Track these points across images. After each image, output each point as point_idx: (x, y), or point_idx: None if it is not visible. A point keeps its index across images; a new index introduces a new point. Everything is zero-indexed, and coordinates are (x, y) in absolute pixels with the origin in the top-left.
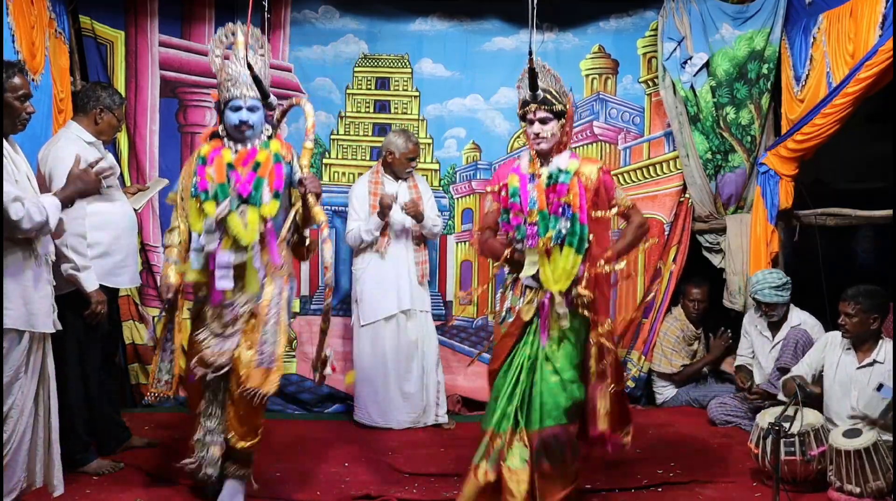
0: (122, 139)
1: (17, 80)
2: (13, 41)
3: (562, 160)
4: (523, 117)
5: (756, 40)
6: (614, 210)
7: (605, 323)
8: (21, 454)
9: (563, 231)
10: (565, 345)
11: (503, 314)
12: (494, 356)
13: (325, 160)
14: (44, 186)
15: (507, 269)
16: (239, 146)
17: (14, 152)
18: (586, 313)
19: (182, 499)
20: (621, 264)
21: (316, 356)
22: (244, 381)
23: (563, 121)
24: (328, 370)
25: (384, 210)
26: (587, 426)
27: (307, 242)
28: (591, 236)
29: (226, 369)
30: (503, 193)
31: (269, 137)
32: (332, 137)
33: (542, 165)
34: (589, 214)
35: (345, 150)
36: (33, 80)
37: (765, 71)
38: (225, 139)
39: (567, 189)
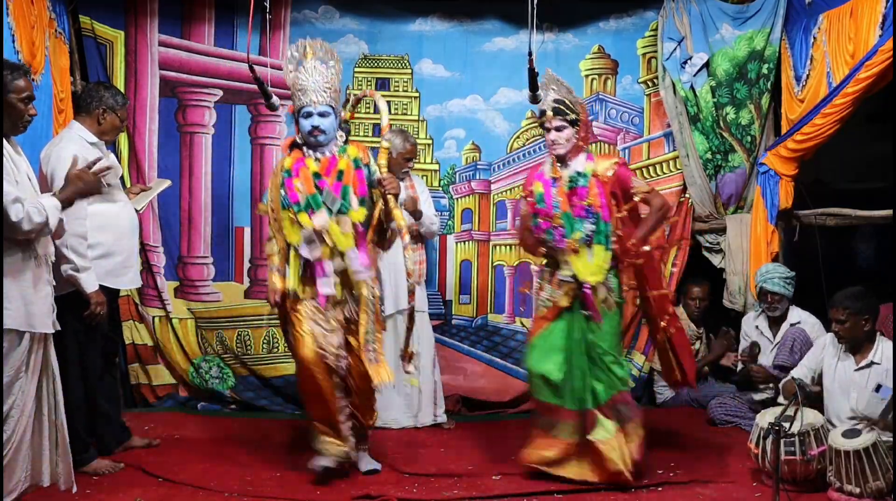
0: (122, 139)
1: (21, 82)
2: (13, 41)
3: (578, 163)
4: (542, 125)
5: (756, 40)
6: (642, 197)
7: (657, 289)
8: (21, 453)
9: (589, 232)
10: (607, 328)
11: (542, 303)
12: (529, 334)
13: None
14: (46, 187)
15: (539, 265)
16: (318, 154)
17: (15, 153)
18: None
19: (182, 499)
20: (647, 247)
21: (404, 350)
22: (374, 378)
23: (578, 127)
24: (410, 367)
25: (410, 211)
26: (670, 374)
27: (389, 233)
28: (618, 232)
29: (330, 359)
30: (530, 198)
31: (346, 142)
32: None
33: (562, 169)
34: (611, 210)
35: None
36: (33, 80)
37: (765, 71)
38: (304, 148)
39: (587, 191)
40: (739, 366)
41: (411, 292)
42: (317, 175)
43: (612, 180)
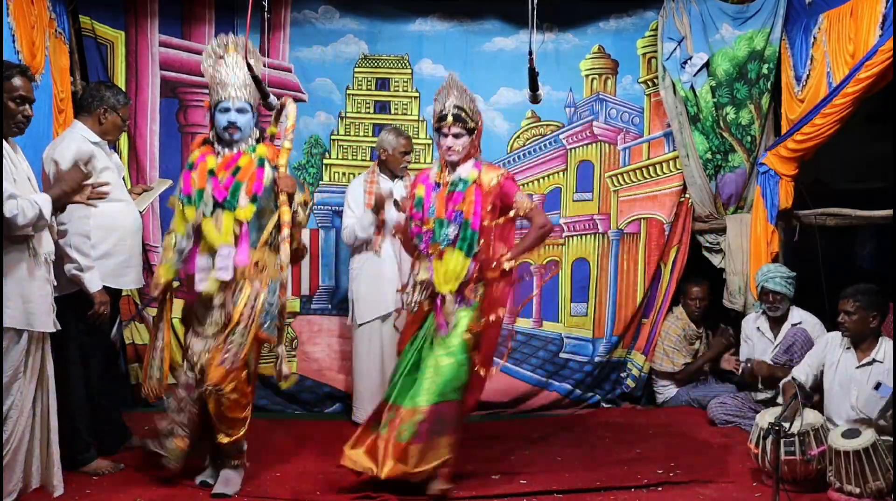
0: (123, 140)
1: (16, 81)
2: (13, 41)
3: (464, 170)
4: (438, 130)
5: (756, 40)
6: (512, 213)
7: (490, 316)
8: (20, 454)
9: (452, 236)
10: (459, 333)
11: (412, 305)
12: (401, 339)
13: (325, 160)
14: (48, 187)
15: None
16: (226, 151)
17: (13, 152)
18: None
19: (182, 499)
20: (509, 264)
21: (279, 367)
22: (206, 379)
23: (474, 136)
24: (285, 370)
25: (378, 206)
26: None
27: (300, 249)
28: (481, 241)
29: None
30: (411, 201)
31: (258, 141)
32: (333, 137)
33: (449, 174)
34: (483, 220)
35: (345, 150)
36: (34, 81)
37: (765, 71)
38: (214, 144)
39: (463, 197)
40: (741, 371)
41: (282, 287)
42: (211, 172)
43: (494, 191)
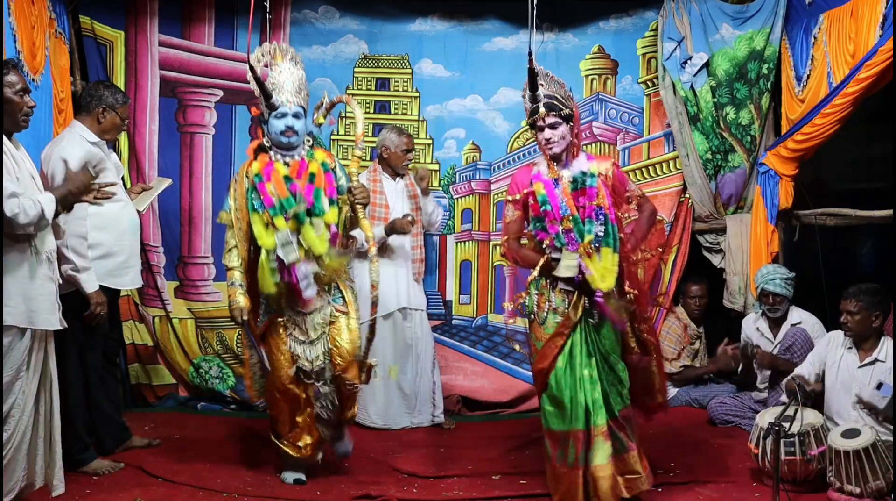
0: (123, 139)
1: (12, 76)
2: (14, 41)
3: (582, 163)
4: (533, 125)
5: (756, 40)
6: (633, 204)
7: (646, 315)
8: (21, 453)
9: (600, 234)
10: (613, 336)
11: (544, 315)
12: (542, 356)
13: None
14: (48, 186)
15: (536, 273)
16: (287, 158)
17: (16, 150)
18: (632, 306)
19: (182, 499)
20: (639, 254)
21: (361, 362)
22: (345, 374)
23: (572, 124)
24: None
25: (396, 230)
26: (643, 399)
27: (350, 243)
28: (621, 234)
29: (323, 370)
30: (531, 200)
31: (311, 146)
32: (333, 137)
33: (560, 169)
34: (616, 212)
35: (345, 150)
36: (34, 80)
37: (765, 71)
38: (272, 152)
39: (596, 192)
40: (740, 366)
41: (374, 305)
42: (287, 178)
43: (612, 181)
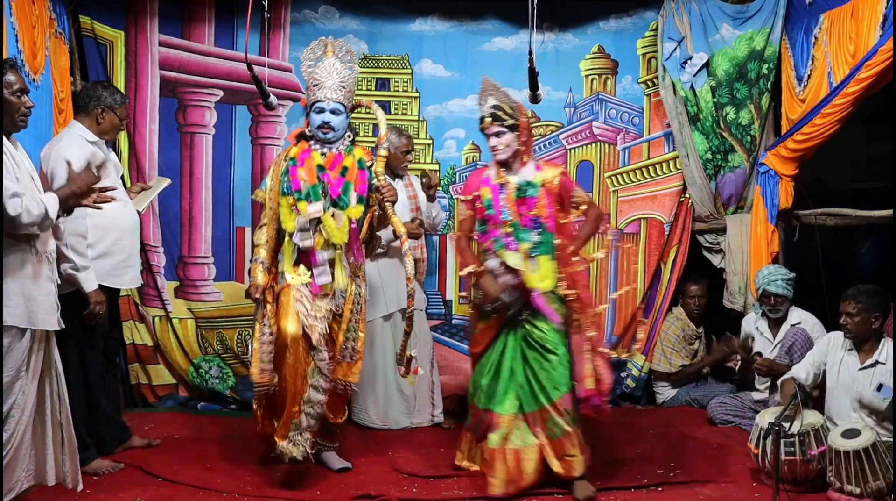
0: (123, 139)
1: (10, 76)
2: (16, 41)
3: (528, 172)
4: (483, 132)
5: (756, 40)
6: (582, 208)
7: (588, 312)
8: (21, 453)
9: (536, 242)
10: (552, 330)
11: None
12: (476, 341)
13: None
14: (46, 186)
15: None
16: (325, 149)
17: (15, 150)
18: (573, 305)
19: (182, 499)
20: (576, 257)
21: (401, 353)
22: (332, 373)
23: (518, 133)
24: (410, 372)
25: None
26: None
27: (374, 240)
28: (557, 241)
29: (314, 336)
30: (478, 204)
31: (352, 143)
32: None
33: (508, 174)
34: (556, 220)
35: None
36: (34, 80)
37: (765, 71)
38: (312, 142)
39: (536, 202)
40: (738, 365)
41: (411, 296)
42: (321, 168)
43: (556, 189)
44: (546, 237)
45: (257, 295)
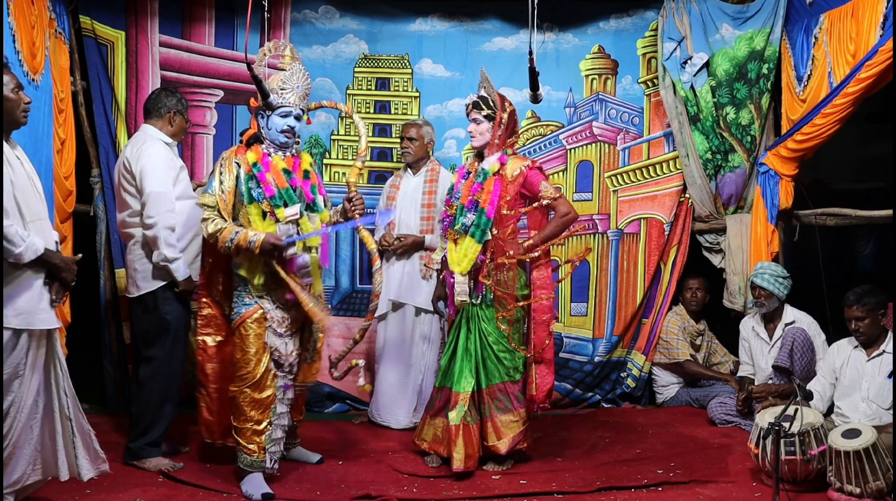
0: (123, 139)
1: (5, 76)
2: (14, 41)
3: (487, 162)
4: (467, 115)
5: (756, 40)
6: (545, 201)
7: (510, 308)
8: (23, 448)
9: (468, 223)
10: (493, 318)
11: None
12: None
13: (325, 160)
14: (133, 184)
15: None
16: (279, 153)
17: (13, 152)
18: (499, 293)
19: (182, 499)
20: (533, 254)
21: (340, 356)
22: (300, 378)
23: (492, 124)
24: (361, 381)
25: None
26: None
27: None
28: (495, 230)
29: (294, 365)
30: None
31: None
32: (333, 137)
33: (478, 164)
34: (500, 209)
35: (345, 150)
36: (34, 80)
37: (765, 71)
38: (263, 145)
39: (481, 187)
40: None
41: (371, 312)
42: (287, 172)
43: (517, 180)
44: (480, 222)
45: (278, 242)
